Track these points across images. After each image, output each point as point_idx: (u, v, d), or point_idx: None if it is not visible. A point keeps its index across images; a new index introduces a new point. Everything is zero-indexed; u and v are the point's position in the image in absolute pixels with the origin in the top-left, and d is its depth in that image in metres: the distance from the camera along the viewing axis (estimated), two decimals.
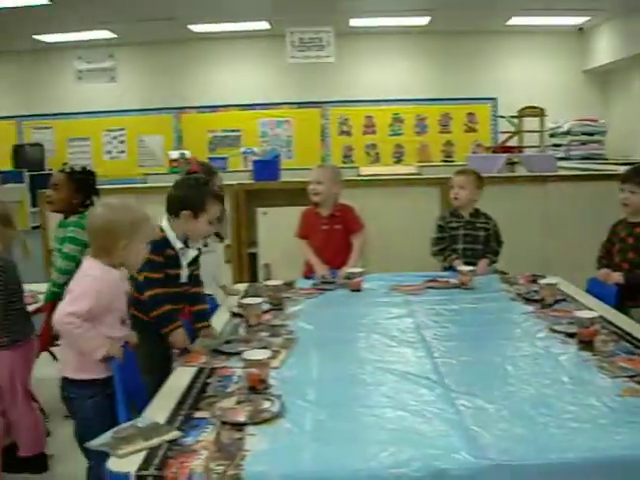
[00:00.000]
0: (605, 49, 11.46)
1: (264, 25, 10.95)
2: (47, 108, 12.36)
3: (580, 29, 11.91)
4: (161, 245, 2.85)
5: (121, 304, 2.44)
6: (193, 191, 3.02)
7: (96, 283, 2.36)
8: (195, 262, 3.06)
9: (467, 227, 4.21)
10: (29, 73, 12.36)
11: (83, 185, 3.79)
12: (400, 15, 10.57)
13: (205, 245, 3.35)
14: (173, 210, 2.95)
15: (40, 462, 3.23)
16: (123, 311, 2.45)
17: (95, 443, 1.88)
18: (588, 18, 11.14)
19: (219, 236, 3.77)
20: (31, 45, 11.77)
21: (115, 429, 1.93)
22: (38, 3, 9.02)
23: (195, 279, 3.06)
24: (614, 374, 2.25)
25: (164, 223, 2.96)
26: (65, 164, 3.93)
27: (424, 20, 11.03)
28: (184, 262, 2.96)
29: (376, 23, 11.17)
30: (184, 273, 2.97)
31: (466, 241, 4.20)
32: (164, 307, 2.83)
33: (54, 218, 4.19)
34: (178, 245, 2.93)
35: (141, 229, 2.43)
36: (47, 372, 3.68)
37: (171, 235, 2.92)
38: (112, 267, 2.41)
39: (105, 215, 2.44)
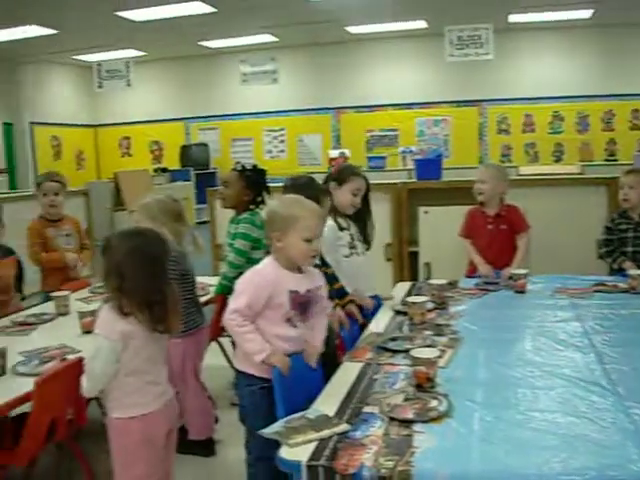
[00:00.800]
0: None
1: (421, 24, 10.91)
2: (213, 110, 12.92)
3: None
4: None
5: (283, 301, 2.42)
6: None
7: (254, 277, 2.44)
8: None
9: (637, 229, 4.03)
10: (196, 77, 12.96)
11: (253, 182, 3.94)
12: (561, 9, 10.21)
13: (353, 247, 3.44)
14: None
15: (208, 446, 3.39)
16: (287, 309, 2.44)
17: (267, 431, 1.96)
18: None
19: (366, 241, 3.74)
20: (197, 51, 12.35)
21: (286, 419, 2.00)
22: (203, 12, 9.45)
23: (323, 261, 3.16)
24: None
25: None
26: (237, 163, 4.10)
27: (587, 13, 10.59)
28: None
29: (536, 18, 10.84)
30: None
31: (636, 244, 4.01)
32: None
33: (223, 214, 4.36)
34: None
35: (297, 224, 2.43)
36: (215, 361, 3.85)
37: None
38: (280, 263, 2.47)
39: (269, 208, 2.60)
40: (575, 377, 2.28)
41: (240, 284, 2.45)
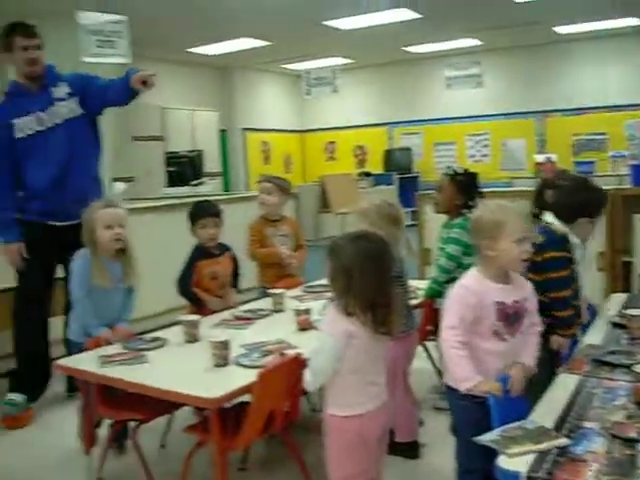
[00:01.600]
0: None
1: (633, 22, 10.33)
2: (416, 115, 13.00)
3: None
4: (563, 241, 2.95)
5: (490, 313, 2.41)
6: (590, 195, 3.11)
7: (461, 291, 2.45)
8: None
9: None
10: (400, 83, 13.10)
11: (465, 186, 3.93)
12: None
13: None
14: (571, 216, 3.02)
15: (413, 449, 3.42)
16: (493, 322, 2.41)
17: (483, 439, 1.95)
18: None
19: None
20: (402, 56, 12.47)
21: (503, 428, 1.99)
22: (408, 18, 9.54)
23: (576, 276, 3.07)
24: None
25: (549, 218, 3.03)
26: (449, 167, 4.11)
27: None
28: (577, 258, 3.01)
29: None
30: (578, 268, 3.02)
31: None
32: (569, 310, 2.92)
33: (432, 218, 4.39)
34: (575, 240, 2.99)
35: (506, 228, 2.41)
36: (419, 364, 3.88)
37: (567, 230, 3.00)
38: (485, 274, 2.45)
39: (473, 216, 2.57)
40: None
41: (449, 300, 2.47)
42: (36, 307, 4.22)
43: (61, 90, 4.21)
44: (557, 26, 10.66)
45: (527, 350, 2.53)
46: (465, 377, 2.36)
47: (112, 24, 5.33)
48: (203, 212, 3.98)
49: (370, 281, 2.35)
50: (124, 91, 4.23)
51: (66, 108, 4.18)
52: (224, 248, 4.07)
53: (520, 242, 2.40)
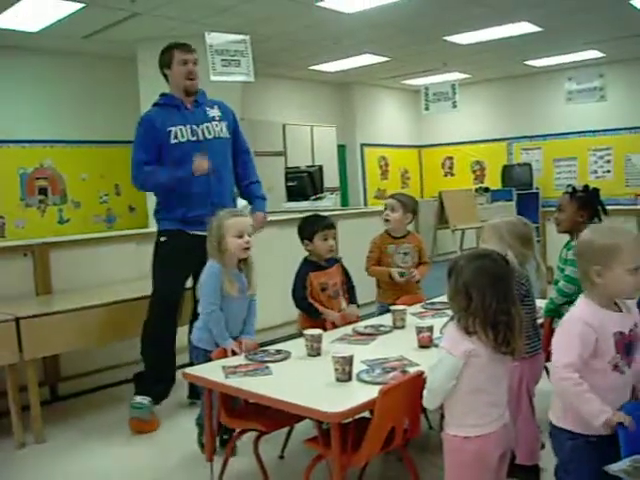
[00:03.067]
0: None
1: None
2: (535, 130, 12.74)
3: None
4: None
5: (610, 345, 2.27)
6: None
7: (577, 324, 2.29)
8: None
9: None
10: (519, 97, 12.89)
11: (585, 203, 3.84)
12: None
13: None
14: None
15: (534, 473, 3.34)
16: (613, 354, 2.28)
17: (614, 468, 1.90)
18: None
19: None
20: (521, 70, 12.27)
21: (634, 458, 1.93)
22: (529, 31, 9.38)
23: None
24: None
25: None
26: (569, 186, 4.03)
27: None
28: None
29: None
30: None
31: None
32: None
33: (555, 236, 4.29)
34: None
35: (620, 255, 2.24)
36: (541, 385, 3.79)
37: None
38: (597, 302, 2.32)
39: (582, 239, 2.41)
40: None
41: (566, 334, 2.32)
42: (170, 317, 4.38)
43: (215, 112, 4.45)
44: None
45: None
46: (598, 410, 2.21)
47: (236, 44, 5.50)
48: (322, 224, 4.05)
49: (490, 301, 2.32)
50: (240, 191, 4.64)
51: (218, 127, 4.39)
52: (333, 260, 4.13)
53: (635, 272, 2.25)
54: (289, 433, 3.70)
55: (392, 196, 4.64)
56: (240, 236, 3.52)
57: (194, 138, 4.28)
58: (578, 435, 2.28)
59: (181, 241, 4.29)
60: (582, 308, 2.36)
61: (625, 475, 1.83)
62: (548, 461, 3.39)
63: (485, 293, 2.32)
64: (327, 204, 8.28)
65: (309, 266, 4.01)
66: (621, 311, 2.34)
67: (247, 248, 3.55)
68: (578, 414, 2.28)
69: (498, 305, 2.34)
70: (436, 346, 3.09)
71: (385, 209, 4.57)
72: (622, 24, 9.34)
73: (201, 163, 4.16)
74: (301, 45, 9.66)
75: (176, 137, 4.24)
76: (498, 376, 2.42)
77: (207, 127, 4.35)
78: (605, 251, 2.29)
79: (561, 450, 2.40)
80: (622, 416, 2.19)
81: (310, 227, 4.05)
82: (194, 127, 4.30)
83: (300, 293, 3.93)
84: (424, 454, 3.37)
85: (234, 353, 3.36)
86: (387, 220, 4.55)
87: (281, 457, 3.70)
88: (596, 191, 3.96)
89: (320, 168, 9.90)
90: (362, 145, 13.16)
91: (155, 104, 4.44)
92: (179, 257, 4.29)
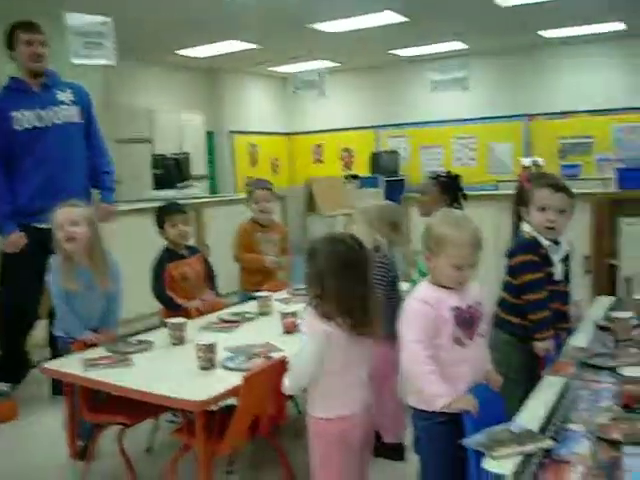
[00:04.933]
0: None
1: (619, 26, 10.39)
2: (402, 118, 13.02)
3: None
4: (534, 245, 2.94)
5: (448, 320, 2.31)
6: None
7: (416, 304, 2.35)
8: (567, 259, 3.08)
9: None
10: (386, 86, 13.13)
11: (448, 188, 3.96)
12: None
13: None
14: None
15: (398, 451, 3.42)
16: (453, 328, 2.32)
17: (470, 442, 1.95)
18: None
19: None
20: (388, 60, 12.50)
21: (489, 430, 1.98)
22: (394, 21, 9.56)
23: (567, 277, 3.08)
24: None
25: (526, 228, 3.03)
26: (432, 172, 4.15)
27: None
28: (555, 259, 2.99)
29: None
30: (557, 270, 3.00)
31: None
32: (544, 312, 2.91)
33: (418, 221, 4.39)
34: (546, 242, 2.96)
35: (445, 248, 2.30)
36: None
37: (536, 234, 2.98)
38: (436, 282, 2.37)
39: (428, 220, 2.47)
40: None
41: (408, 316, 2.36)
42: (21, 315, 4.24)
43: (66, 95, 4.25)
44: (542, 30, 10.69)
45: (485, 355, 2.51)
46: (440, 393, 2.26)
47: (98, 25, 5.31)
48: (171, 210, 4.06)
49: (344, 286, 2.34)
50: (92, 179, 4.50)
51: (68, 112, 4.21)
52: (193, 250, 4.12)
53: (458, 268, 2.32)
54: (156, 425, 3.63)
55: (265, 187, 4.68)
56: (62, 227, 3.35)
57: (41, 124, 4.09)
58: (433, 416, 2.31)
59: (28, 235, 4.14)
60: (421, 288, 2.41)
61: (482, 448, 1.88)
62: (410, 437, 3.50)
63: (338, 279, 2.33)
64: (194, 192, 8.17)
65: (167, 256, 3.97)
66: (461, 289, 2.38)
67: (70, 239, 3.36)
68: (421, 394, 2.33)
69: (352, 290, 2.35)
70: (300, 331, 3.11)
71: (261, 201, 4.59)
72: (484, 17, 9.64)
73: (16, 241, 4.07)
74: (168, 29, 9.44)
75: (19, 123, 4.05)
76: (358, 358, 2.45)
77: (55, 111, 4.17)
78: (436, 239, 2.35)
79: (416, 428, 2.45)
80: (467, 401, 2.23)
81: (160, 214, 4.06)
82: (40, 111, 4.12)
83: (158, 287, 3.89)
84: (296, 439, 3.38)
85: (93, 345, 3.25)
86: (263, 212, 4.59)
87: (148, 450, 3.62)
88: (457, 177, 4.09)
89: (187, 156, 9.74)
90: (231, 132, 13.05)
91: (4, 87, 4.22)
92: (28, 252, 4.13)
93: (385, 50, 11.76)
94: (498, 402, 2.36)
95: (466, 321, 2.36)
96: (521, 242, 3.05)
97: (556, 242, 3.01)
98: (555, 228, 2.97)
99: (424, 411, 2.34)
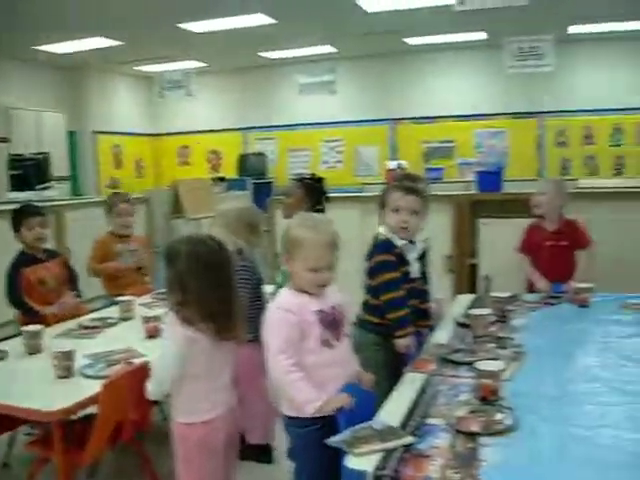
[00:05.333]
0: None
1: (481, 35, 10.84)
2: (271, 120, 13.01)
3: None
4: (389, 246, 3.02)
5: (314, 323, 2.31)
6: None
7: (279, 313, 2.32)
8: (423, 257, 3.17)
9: None
10: (255, 88, 13.10)
11: (312, 191, 3.99)
12: (623, 19, 10.03)
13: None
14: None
15: (265, 453, 3.41)
16: (320, 331, 2.32)
17: (334, 440, 1.96)
18: None
19: None
20: (257, 62, 12.48)
21: (353, 428, 2.00)
22: (263, 23, 9.55)
23: (424, 275, 3.16)
24: None
25: (381, 229, 3.11)
26: (297, 174, 4.18)
27: None
28: (411, 257, 3.07)
29: (596, 29, 10.68)
30: (413, 268, 3.08)
31: None
32: (401, 311, 2.98)
33: (283, 223, 4.41)
34: (400, 242, 3.05)
35: (301, 251, 2.30)
36: None
37: (390, 235, 3.06)
38: (297, 288, 2.36)
39: (287, 224, 2.46)
40: None
41: (270, 325, 2.32)
42: None
43: None
44: (407, 37, 10.99)
45: (353, 355, 2.54)
46: (309, 399, 2.24)
47: None
48: (27, 213, 3.93)
49: (205, 290, 2.30)
50: None
51: None
52: (52, 253, 3.99)
53: (314, 271, 2.32)
54: (12, 439, 3.45)
55: (127, 199, 4.59)
56: None
57: None
58: (307, 422, 2.30)
59: None
60: (282, 297, 2.39)
61: (344, 445, 1.89)
62: (280, 439, 3.49)
63: (200, 281, 2.30)
64: (54, 193, 7.86)
65: (23, 260, 3.81)
66: (322, 294, 2.39)
67: None
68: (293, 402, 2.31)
69: (214, 294, 2.32)
70: None
71: (125, 215, 4.50)
72: (351, 22, 9.77)
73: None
74: (26, 23, 9.03)
75: None
76: (221, 362, 2.42)
77: None
78: (292, 242, 2.34)
79: (290, 436, 2.43)
80: (340, 399, 2.24)
81: (16, 217, 3.92)
82: None
83: (13, 293, 3.72)
84: (161, 445, 3.29)
85: None
86: (127, 226, 4.50)
87: (5, 465, 3.45)
88: (321, 180, 4.13)
89: (47, 156, 9.36)
90: (94, 132, 12.64)
91: None
92: None
93: (254, 52, 11.73)
94: (370, 401, 2.37)
95: (331, 323, 2.37)
96: (376, 243, 3.12)
97: (411, 241, 3.10)
98: (408, 228, 3.07)
99: (298, 418, 2.31)
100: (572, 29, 10.51)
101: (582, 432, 1.96)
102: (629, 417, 2.06)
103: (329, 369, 2.35)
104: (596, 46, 11.33)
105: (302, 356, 2.30)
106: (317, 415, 2.24)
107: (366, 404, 2.28)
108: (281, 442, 3.44)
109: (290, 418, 2.37)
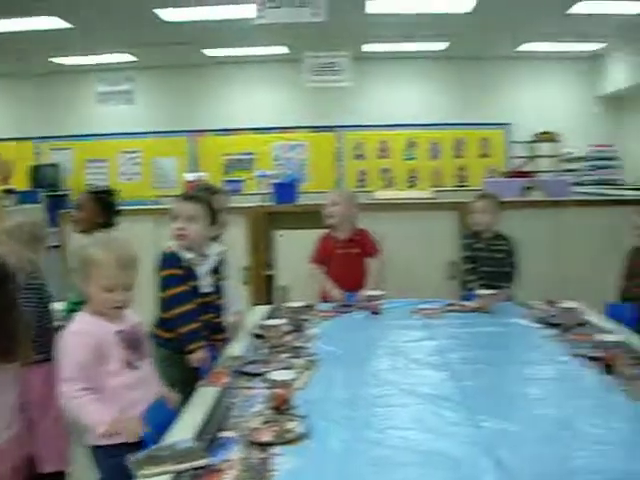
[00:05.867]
0: (618, 75, 11.52)
1: (282, 50, 11.05)
2: (67, 130, 12.45)
3: (593, 55, 11.98)
4: (174, 259, 3.00)
5: (114, 345, 2.27)
6: None
7: (73, 337, 2.25)
8: (217, 271, 3.16)
9: (488, 250, 4.24)
10: (49, 95, 12.46)
11: (105, 205, 3.86)
12: (416, 40, 10.64)
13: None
14: None
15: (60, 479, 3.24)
16: (122, 352, 2.28)
17: (129, 460, 1.88)
18: (602, 45, 11.19)
19: None
20: (50, 68, 11.90)
21: (155, 447, 1.94)
22: (57, 27, 9.12)
23: (218, 289, 3.15)
24: (638, 397, 2.25)
25: (171, 243, 3.09)
26: (91, 185, 4.02)
27: (442, 45, 11.11)
28: (201, 271, 3.07)
29: (390, 49, 11.25)
30: (204, 282, 3.06)
31: (487, 264, 4.22)
32: (191, 325, 2.94)
33: (75, 238, 4.24)
34: (188, 256, 3.03)
35: (93, 272, 2.26)
36: None
37: (177, 249, 3.04)
38: (93, 310, 2.30)
39: (79, 245, 2.43)
40: (429, 394, 2.36)
41: (63, 351, 2.23)
42: None
43: None
44: (207, 49, 10.96)
45: (156, 374, 2.50)
46: (100, 420, 2.16)
47: None
48: None
49: None
50: None
51: None
52: None
53: (109, 290, 2.27)
54: None
55: None
56: None
57: None
58: (119, 451, 2.14)
59: None
60: (76, 322, 2.31)
61: (132, 466, 1.82)
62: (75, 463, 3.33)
63: None
64: None
65: None
66: (119, 315, 2.34)
67: None
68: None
69: None
70: None
71: None
72: (149, 31, 9.58)
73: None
74: None
75: None
76: (4, 386, 2.26)
77: None
78: (86, 263, 2.29)
79: (100, 467, 2.31)
80: (127, 424, 2.16)
81: None
82: None
83: None
84: None
85: None
86: None
87: None
88: (113, 192, 4.01)
89: None
90: None
91: None
92: None
93: (48, 57, 11.16)
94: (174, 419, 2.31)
95: (133, 343, 2.32)
96: (163, 257, 3.08)
97: (203, 255, 3.09)
98: (187, 236, 3.05)
99: (106, 447, 2.21)
100: (366, 47, 11.01)
101: (372, 434, 2.03)
102: (416, 419, 2.15)
103: (134, 391, 2.29)
104: (392, 64, 11.94)
105: (103, 380, 2.23)
106: (123, 441, 2.15)
107: (170, 424, 2.22)
108: (82, 471, 3.31)
109: (98, 447, 2.26)
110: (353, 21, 9.29)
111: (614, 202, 5.74)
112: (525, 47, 11.27)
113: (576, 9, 8.81)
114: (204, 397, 2.38)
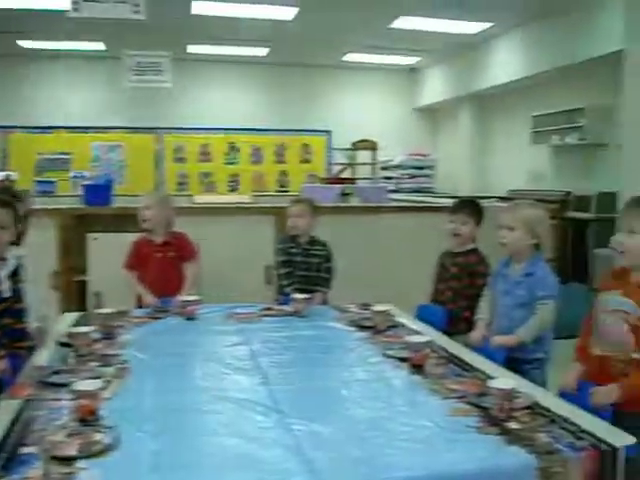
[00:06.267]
0: (433, 89, 12.18)
1: (99, 46, 10.70)
2: None
3: (412, 69, 12.57)
4: None
5: None
6: None
7: None
8: (16, 275, 2.99)
9: (304, 254, 4.30)
10: None
11: None
12: (240, 44, 10.68)
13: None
14: None
15: None
16: None
17: None
18: (419, 59, 11.77)
19: None
20: None
21: None
22: None
23: (16, 293, 2.97)
24: (444, 395, 2.36)
25: None
26: None
27: (263, 51, 11.21)
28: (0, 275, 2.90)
29: (214, 51, 11.22)
30: (3, 287, 2.89)
31: (302, 268, 4.28)
32: None
33: None
34: None
35: None
36: None
37: None
38: None
39: None
40: (241, 399, 2.34)
41: None
42: None
43: None
44: (22, 40, 10.41)
45: None
46: None
47: None
48: None
49: None
50: None
51: None
52: None
53: None
54: None
55: None
56: None
57: None
58: None
59: None
60: None
61: None
62: None
63: None
64: None
65: None
66: None
67: None
68: None
69: None
70: None
71: None
72: None
73: None
74: None
75: None
76: None
77: None
78: None
79: None
80: None
81: None
82: None
83: None
84: None
85: None
86: None
87: None
88: None
89: None
90: None
91: None
92: None
93: None
94: None
95: None
96: None
97: (3, 258, 2.93)
98: None
99: None
100: (191, 49, 10.92)
101: (184, 442, 1.99)
102: (228, 424, 2.13)
103: None
104: (216, 67, 11.92)
105: None
106: None
107: None
108: None
109: None
110: (178, 21, 9.18)
111: (427, 209, 6.03)
112: (349, 57, 11.65)
113: (397, 24, 9.23)
114: (4, 411, 2.23)
